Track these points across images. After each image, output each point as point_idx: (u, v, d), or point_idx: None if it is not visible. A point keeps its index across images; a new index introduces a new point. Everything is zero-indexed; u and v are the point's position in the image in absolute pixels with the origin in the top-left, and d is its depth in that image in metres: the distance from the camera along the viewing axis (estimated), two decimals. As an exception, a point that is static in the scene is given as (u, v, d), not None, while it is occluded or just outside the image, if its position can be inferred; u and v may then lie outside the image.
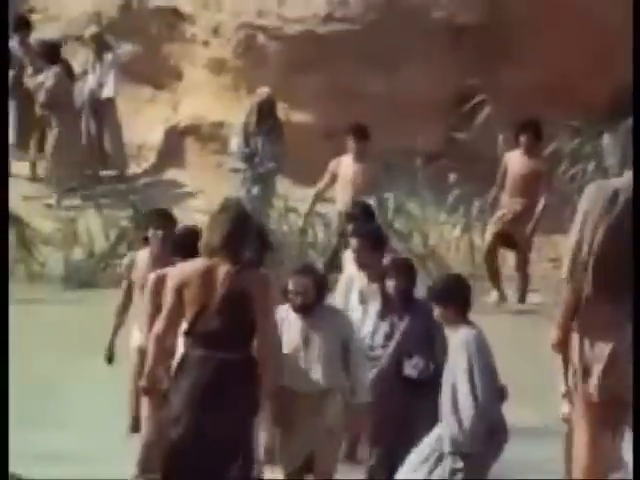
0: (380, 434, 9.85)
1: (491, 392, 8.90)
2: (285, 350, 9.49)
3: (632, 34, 12.62)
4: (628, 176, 8.25)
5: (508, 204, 16.19)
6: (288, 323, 9.54)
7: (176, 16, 19.71)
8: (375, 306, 10.39)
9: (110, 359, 11.21)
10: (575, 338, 8.12)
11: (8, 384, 7.65)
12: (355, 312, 10.57)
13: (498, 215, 16.25)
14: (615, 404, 8.12)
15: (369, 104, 17.58)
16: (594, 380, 8.07)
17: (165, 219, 11.34)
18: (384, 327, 10.12)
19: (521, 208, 16.06)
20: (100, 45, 19.35)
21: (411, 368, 9.76)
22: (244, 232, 8.87)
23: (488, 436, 8.87)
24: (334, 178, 15.46)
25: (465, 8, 18.32)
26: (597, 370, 8.06)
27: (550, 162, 16.43)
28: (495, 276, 16.17)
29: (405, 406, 9.67)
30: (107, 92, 19.16)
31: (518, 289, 16.21)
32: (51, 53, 18.88)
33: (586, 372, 8.13)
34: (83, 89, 19.33)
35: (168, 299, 8.72)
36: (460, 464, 8.89)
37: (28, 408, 11.47)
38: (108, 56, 19.19)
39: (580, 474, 8.15)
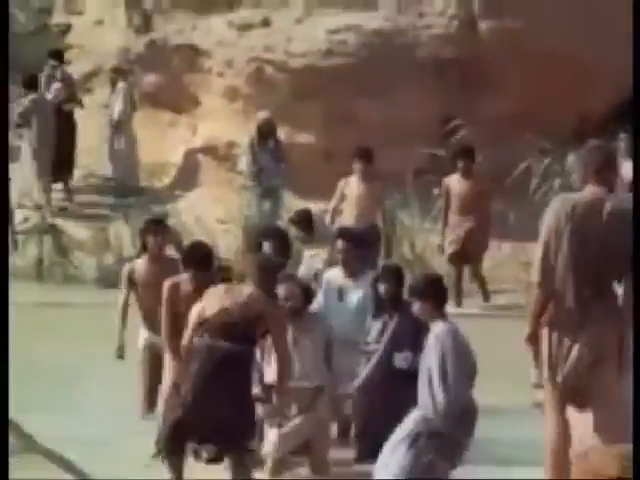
0: (374, 417, 9.87)
1: (462, 379, 8.84)
2: None
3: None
4: (588, 190, 8.27)
5: (458, 223, 16.06)
6: None
7: (194, 51, 19.72)
8: (353, 300, 10.60)
9: (121, 356, 11.21)
10: (545, 333, 8.22)
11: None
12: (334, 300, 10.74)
13: (453, 237, 16.08)
14: (580, 391, 8.22)
15: (364, 128, 17.55)
16: (562, 371, 8.17)
17: (160, 225, 11.39)
18: (377, 325, 10.15)
19: (472, 225, 15.96)
20: (117, 75, 19.40)
21: (401, 360, 9.80)
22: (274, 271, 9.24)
23: (460, 417, 8.85)
24: (343, 197, 15.33)
25: (446, 45, 18.27)
26: (565, 362, 8.17)
27: (488, 181, 16.24)
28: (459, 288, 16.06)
29: (396, 393, 9.65)
30: (116, 115, 19.19)
31: (481, 292, 16.22)
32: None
33: (555, 364, 8.21)
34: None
35: (192, 319, 8.93)
36: (433, 442, 8.83)
37: (59, 399, 11.37)
38: (120, 84, 19.22)
39: (549, 452, 8.25)
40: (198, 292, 9.30)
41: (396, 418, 9.09)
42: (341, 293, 10.82)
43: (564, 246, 8.09)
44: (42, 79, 19.34)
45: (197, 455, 8.77)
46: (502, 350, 11.61)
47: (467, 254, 16.07)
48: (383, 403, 9.75)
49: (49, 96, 19.16)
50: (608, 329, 8.13)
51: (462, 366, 8.85)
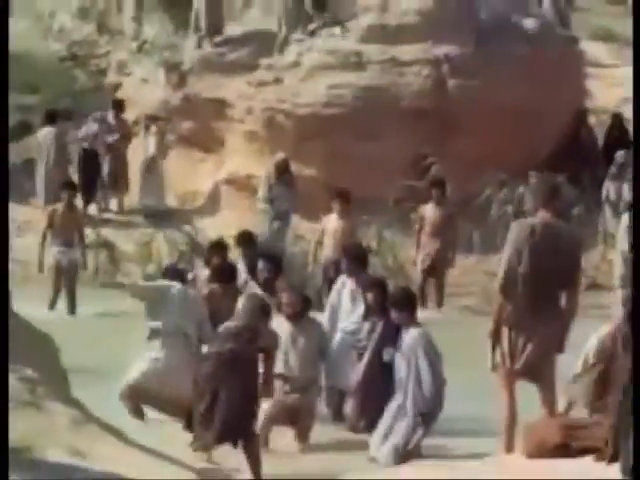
0: (367, 401, 9.87)
1: (438, 370, 9.18)
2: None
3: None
4: (540, 215, 8.31)
5: (429, 244, 15.81)
6: (281, 328, 9.57)
7: (221, 103, 19.72)
8: (360, 303, 10.44)
9: None
10: (505, 330, 8.21)
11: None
12: (345, 307, 10.64)
13: (425, 255, 15.81)
14: (530, 377, 8.28)
15: (356, 164, 17.55)
16: (520, 361, 8.19)
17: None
18: (367, 326, 10.10)
19: (439, 246, 15.73)
20: (151, 121, 19.33)
21: (387, 355, 9.67)
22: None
23: (435, 402, 9.15)
24: (324, 231, 15.05)
25: (422, 99, 18.30)
26: (522, 353, 8.20)
27: (455, 208, 16.14)
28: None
29: (383, 381, 9.64)
30: (149, 153, 19.06)
31: (437, 299, 15.92)
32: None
33: (514, 354, 8.23)
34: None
35: None
36: (419, 419, 9.13)
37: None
38: (152, 128, 19.11)
39: (502, 421, 8.29)
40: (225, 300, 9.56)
41: (384, 398, 9.42)
42: (352, 295, 10.75)
43: (523, 262, 8.08)
44: (88, 121, 19.44)
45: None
46: (465, 340, 11.51)
47: (435, 269, 15.82)
48: (375, 390, 9.73)
49: (80, 134, 19.32)
50: (554, 327, 8.21)
51: (438, 362, 9.20)
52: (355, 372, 10.00)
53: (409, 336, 9.18)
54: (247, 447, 8.56)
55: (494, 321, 8.21)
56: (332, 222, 15.10)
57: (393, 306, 9.45)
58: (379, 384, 9.65)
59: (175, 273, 10.84)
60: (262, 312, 8.93)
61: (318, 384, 10.05)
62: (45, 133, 19.00)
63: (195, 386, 8.93)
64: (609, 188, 17.47)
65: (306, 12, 20.05)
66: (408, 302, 9.46)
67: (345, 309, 10.64)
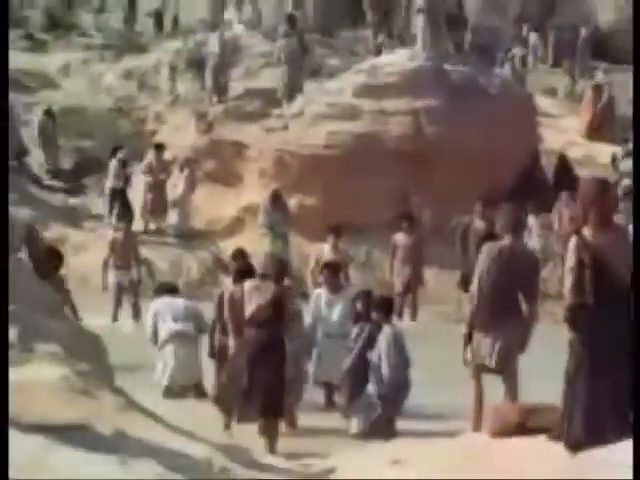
0: (355, 392, 9.78)
1: (401, 364, 9.41)
2: None
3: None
4: (507, 238, 8.35)
5: (402, 269, 15.58)
6: None
7: (240, 146, 19.69)
8: (336, 308, 10.52)
9: None
10: (476, 333, 8.27)
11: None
12: (323, 313, 10.59)
13: (399, 280, 15.53)
14: (497, 371, 8.32)
15: (350, 195, 17.47)
16: (489, 358, 8.24)
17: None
18: (356, 329, 10.05)
19: (410, 270, 15.52)
20: (183, 161, 19.32)
21: (371, 354, 9.64)
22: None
23: (397, 387, 9.37)
24: (318, 261, 13.95)
25: (404, 142, 18.23)
26: (492, 352, 8.23)
27: (423, 236, 15.98)
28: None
29: (366, 373, 9.67)
30: (181, 185, 18.97)
31: (410, 313, 15.62)
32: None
33: (479, 353, 8.27)
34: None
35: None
36: (378, 401, 9.41)
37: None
38: (184, 166, 19.11)
39: (472, 408, 8.29)
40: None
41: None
42: (328, 301, 10.66)
43: (491, 277, 8.10)
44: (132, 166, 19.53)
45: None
46: (439, 340, 11.48)
47: (409, 290, 15.60)
48: (361, 382, 9.70)
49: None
50: (517, 331, 8.22)
51: (401, 354, 9.41)
52: (344, 367, 9.95)
53: (383, 332, 9.52)
54: (267, 422, 8.61)
55: (467, 326, 8.24)
56: (326, 254, 14.58)
57: (375, 308, 9.81)
58: (363, 376, 9.64)
59: (166, 288, 11.42)
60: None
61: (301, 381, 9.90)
62: (112, 165, 19.07)
63: (232, 369, 8.87)
64: (555, 217, 17.43)
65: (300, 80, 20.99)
66: (386, 306, 9.87)
67: (324, 315, 10.54)
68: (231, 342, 9.25)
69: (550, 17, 29.50)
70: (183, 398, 10.41)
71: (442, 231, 17.00)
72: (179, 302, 11.07)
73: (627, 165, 18.37)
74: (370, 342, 9.73)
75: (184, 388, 10.59)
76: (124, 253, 15.23)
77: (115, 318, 15.05)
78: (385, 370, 9.30)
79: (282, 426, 9.11)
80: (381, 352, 9.35)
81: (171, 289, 11.49)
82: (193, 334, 10.74)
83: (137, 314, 15.02)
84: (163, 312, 10.84)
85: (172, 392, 10.50)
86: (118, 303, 15.16)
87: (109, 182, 19.07)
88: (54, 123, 21.00)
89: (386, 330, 9.51)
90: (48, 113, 21.05)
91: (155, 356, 10.97)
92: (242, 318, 8.82)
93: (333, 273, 10.90)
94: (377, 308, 9.80)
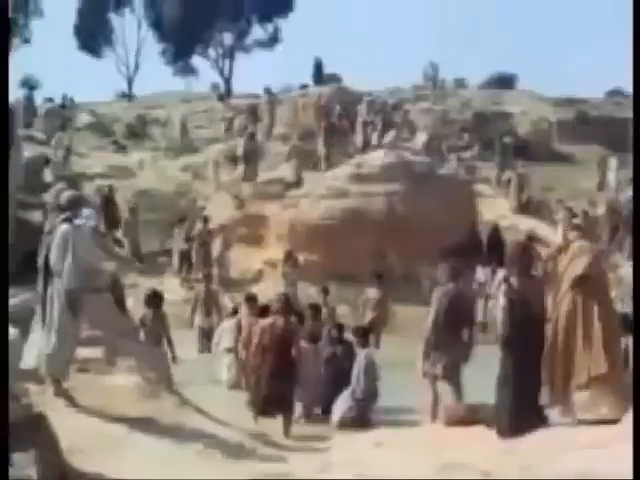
0: (332, 396, 9.46)
1: (373, 378, 9.25)
2: None
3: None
4: (450, 284, 8.26)
5: (371, 316, 14.58)
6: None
7: (263, 217, 19.57)
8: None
9: None
10: (431, 352, 8.20)
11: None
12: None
13: (370, 326, 14.19)
14: (446, 379, 8.18)
15: (343, 253, 17.28)
16: (438, 369, 8.14)
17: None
18: (330, 349, 9.89)
19: (376, 316, 14.63)
20: (222, 229, 19.14)
21: (353, 369, 9.41)
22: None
23: (370, 394, 9.21)
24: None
25: (382, 215, 18.11)
26: (440, 366, 8.14)
27: (387, 292, 15.11)
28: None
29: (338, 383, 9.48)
30: (221, 246, 18.69)
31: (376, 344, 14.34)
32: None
33: (433, 366, 8.17)
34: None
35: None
36: (354, 404, 9.14)
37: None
38: (223, 233, 18.95)
39: (428, 409, 8.18)
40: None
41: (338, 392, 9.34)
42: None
43: (440, 313, 8.08)
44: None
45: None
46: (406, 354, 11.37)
47: (373, 329, 13.97)
48: (334, 388, 9.47)
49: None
50: (460, 349, 8.15)
51: (373, 371, 9.28)
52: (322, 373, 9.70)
53: (360, 354, 9.39)
54: (287, 418, 8.44)
55: (424, 346, 8.18)
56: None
57: (354, 335, 9.68)
58: (340, 382, 9.42)
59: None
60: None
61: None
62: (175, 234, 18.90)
63: (256, 381, 8.70)
64: (484, 273, 17.00)
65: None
66: (362, 334, 9.70)
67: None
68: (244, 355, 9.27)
69: (485, 128, 29.85)
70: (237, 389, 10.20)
71: (409, 277, 16.96)
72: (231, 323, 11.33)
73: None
74: (345, 359, 9.61)
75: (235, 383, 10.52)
76: (206, 302, 14.21)
77: (202, 351, 13.51)
78: (362, 382, 9.18)
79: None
80: (360, 368, 9.20)
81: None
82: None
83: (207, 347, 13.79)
84: (222, 332, 11.21)
85: (231, 385, 10.50)
86: (202, 340, 13.83)
87: (177, 245, 18.85)
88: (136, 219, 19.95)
89: (362, 352, 9.38)
90: (133, 211, 19.84)
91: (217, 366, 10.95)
92: (256, 341, 8.70)
93: (316, 312, 10.62)
94: (355, 335, 9.67)
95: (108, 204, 19.56)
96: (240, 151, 22.34)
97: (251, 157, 21.99)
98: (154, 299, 10.23)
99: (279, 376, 8.39)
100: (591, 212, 19.39)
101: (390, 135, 21.12)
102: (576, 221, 13.15)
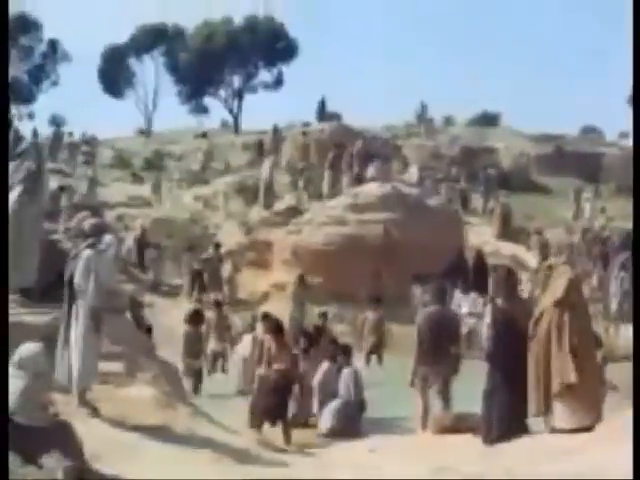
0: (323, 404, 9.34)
1: (359, 391, 9.18)
2: None
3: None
4: (432, 306, 8.27)
5: (369, 338, 14.41)
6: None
7: (269, 243, 19.46)
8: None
9: None
10: (420, 367, 8.13)
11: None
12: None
13: (366, 346, 14.33)
14: (436, 390, 8.12)
15: (342, 275, 17.19)
16: (430, 382, 8.11)
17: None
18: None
19: (375, 339, 14.34)
20: (231, 254, 19.04)
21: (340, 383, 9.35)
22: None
23: (357, 406, 9.13)
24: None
25: (378, 240, 18.04)
26: (432, 378, 8.09)
27: (382, 311, 14.85)
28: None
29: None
30: (229, 269, 18.62)
31: (378, 361, 14.25)
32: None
33: (425, 378, 8.11)
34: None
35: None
36: (343, 415, 8.94)
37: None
38: (232, 257, 18.85)
39: (419, 413, 8.07)
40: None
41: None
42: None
43: (423, 332, 8.06)
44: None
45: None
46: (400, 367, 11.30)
47: (381, 352, 14.24)
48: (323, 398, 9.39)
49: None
50: (448, 365, 8.08)
51: (358, 384, 9.23)
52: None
53: (346, 370, 9.30)
54: (285, 426, 8.39)
55: (414, 362, 8.15)
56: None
57: (341, 352, 9.57)
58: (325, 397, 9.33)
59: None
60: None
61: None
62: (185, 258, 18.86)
63: (259, 393, 8.62)
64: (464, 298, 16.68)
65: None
66: (347, 352, 9.58)
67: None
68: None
69: (471, 161, 29.99)
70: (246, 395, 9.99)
71: (403, 297, 16.90)
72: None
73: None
74: (329, 376, 9.49)
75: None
76: (218, 329, 13.44)
77: (210, 373, 13.01)
78: (350, 395, 9.14)
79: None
80: (349, 382, 9.16)
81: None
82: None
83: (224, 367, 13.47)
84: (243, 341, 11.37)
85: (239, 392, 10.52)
86: (213, 363, 13.23)
87: (188, 268, 18.72)
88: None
89: (347, 369, 9.31)
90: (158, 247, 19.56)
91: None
92: (265, 358, 8.74)
93: (318, 333, 10.63)
94: (341, 351, 9.60)
95: (140, 242, 19.50)
96: (262, 181, 22.47)
97: (270, 187, 22.37)
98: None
99: (277, 390, 8.37)
100: (567, 239, 19.49)
101: (375, 166, 21.13)
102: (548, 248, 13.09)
